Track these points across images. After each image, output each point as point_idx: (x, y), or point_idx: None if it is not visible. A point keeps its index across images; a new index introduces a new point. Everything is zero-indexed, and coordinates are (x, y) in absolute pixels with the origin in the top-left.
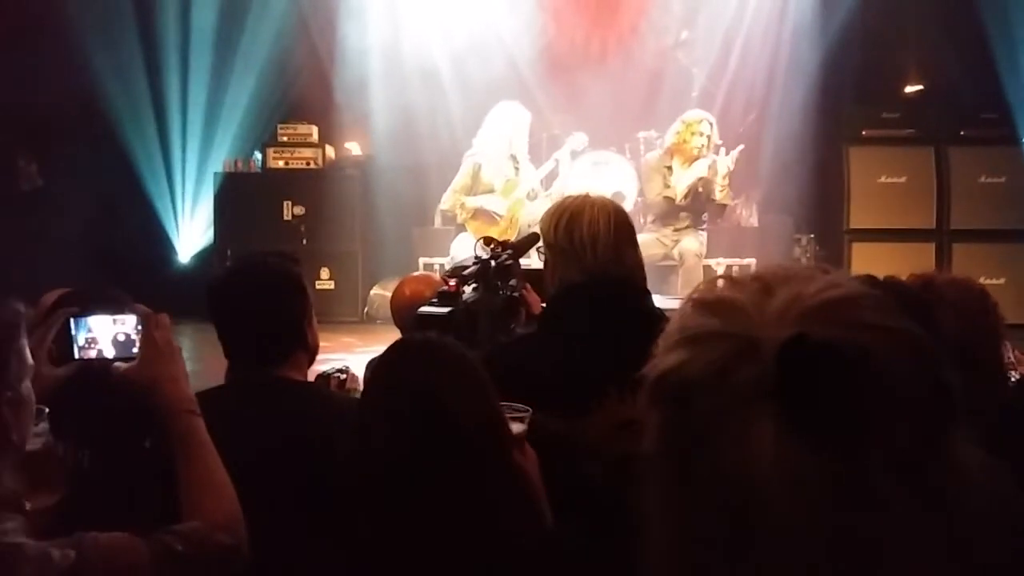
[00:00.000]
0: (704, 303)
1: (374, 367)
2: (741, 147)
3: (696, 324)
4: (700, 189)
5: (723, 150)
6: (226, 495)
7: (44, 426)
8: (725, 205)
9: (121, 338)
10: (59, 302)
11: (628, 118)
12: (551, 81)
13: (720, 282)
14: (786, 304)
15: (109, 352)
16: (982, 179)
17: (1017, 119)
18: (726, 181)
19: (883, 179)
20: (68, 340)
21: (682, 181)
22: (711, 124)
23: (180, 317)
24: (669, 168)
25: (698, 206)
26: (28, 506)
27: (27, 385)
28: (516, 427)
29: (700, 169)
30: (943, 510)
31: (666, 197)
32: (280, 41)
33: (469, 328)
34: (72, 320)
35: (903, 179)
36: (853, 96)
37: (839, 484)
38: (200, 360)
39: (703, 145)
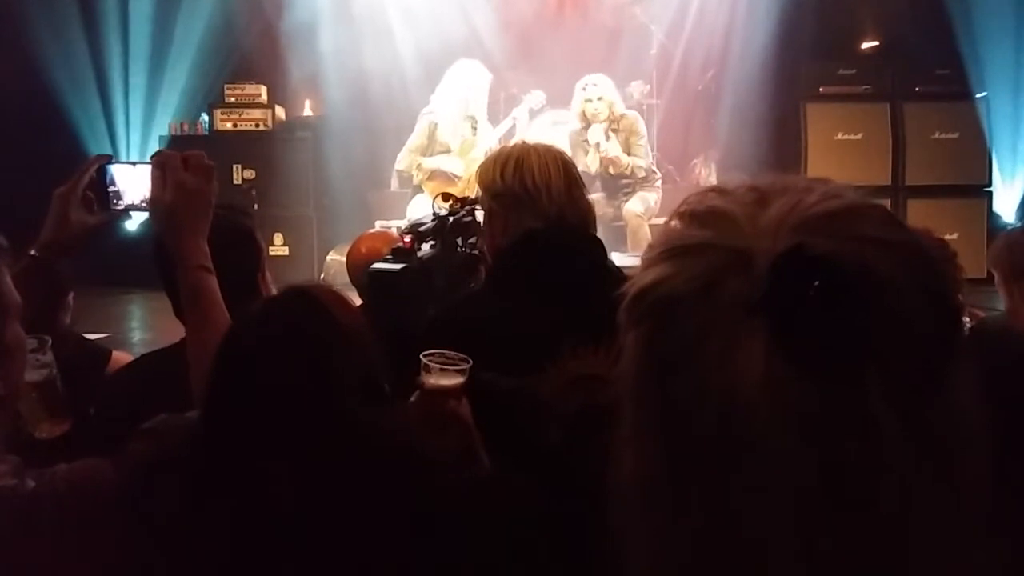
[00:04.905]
0: (692, 214)
1: (254, 305)
2: (604, 126)
3: (682, 236)
4: (610, 169)
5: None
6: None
7: (49, 356)
8: (637, 170)
9: (145, 189)
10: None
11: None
12: (507, 37)
13: (711, 192)
14: (782, 214)
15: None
16: (936, 135)
17: (970, 74)
18: (613, 152)
19: (840, 136)
20: (104, 190)
21: (590, 155)
22: (596, 85)
23: (129, 287)
24: (586, 140)
25: (625, 177)
26: (39, 435)
27: (14, 329)
28: (454, 379)
29: (596, 134)
30: (942, 447)
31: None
32: None
33: (424, 285)
34: (107, 169)
35: (859, 135)
36: (810, 53)
37: (832, 409)
38: (151, 329)
39: (597, 111)
